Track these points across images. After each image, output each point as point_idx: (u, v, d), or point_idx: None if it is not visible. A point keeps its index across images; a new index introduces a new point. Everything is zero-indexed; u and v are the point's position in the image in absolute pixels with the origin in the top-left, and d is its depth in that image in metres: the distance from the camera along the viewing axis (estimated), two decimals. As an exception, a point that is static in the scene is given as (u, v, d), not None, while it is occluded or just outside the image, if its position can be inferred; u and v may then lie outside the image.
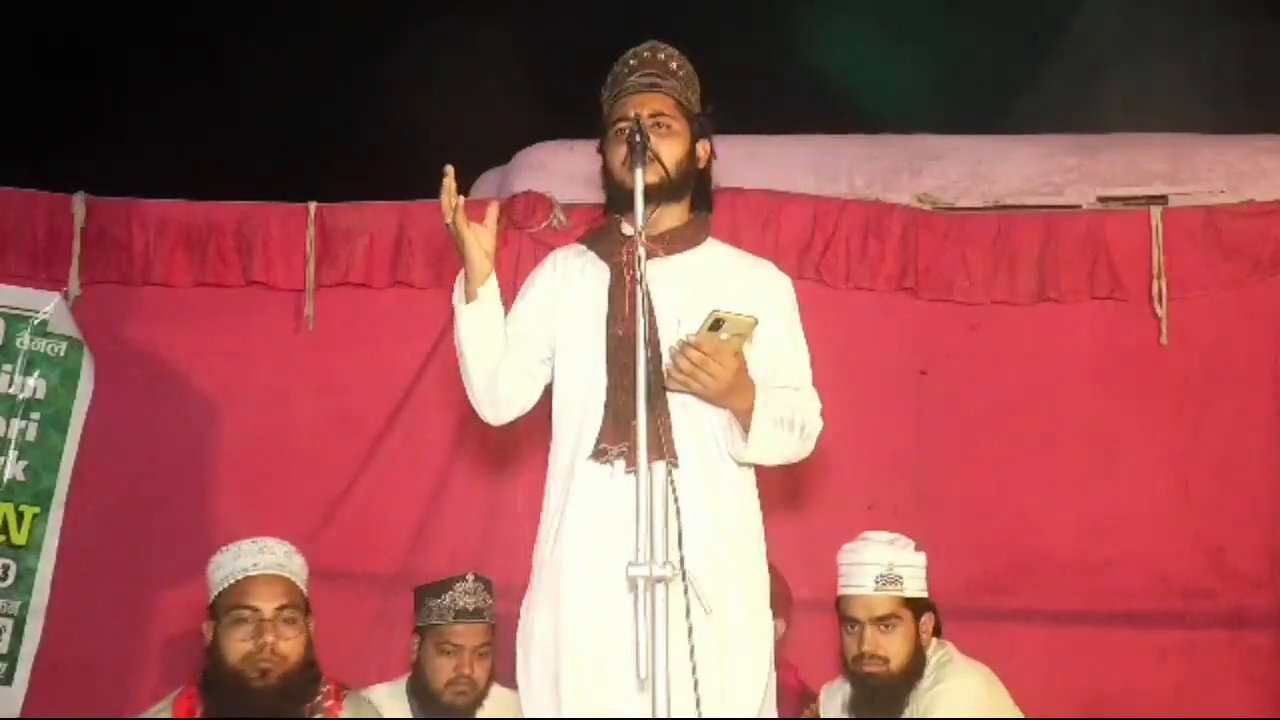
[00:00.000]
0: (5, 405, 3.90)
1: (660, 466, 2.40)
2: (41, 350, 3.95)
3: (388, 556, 3.97)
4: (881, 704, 3.27)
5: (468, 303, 2.66)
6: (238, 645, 2.98)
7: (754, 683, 2.62)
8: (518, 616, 2.73)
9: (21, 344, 3.92)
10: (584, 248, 2.81)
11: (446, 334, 3.93)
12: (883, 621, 3.26)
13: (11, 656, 3.82)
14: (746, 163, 4.12)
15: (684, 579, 2.38)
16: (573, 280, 2.76)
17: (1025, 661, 3.74)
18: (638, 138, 2.52)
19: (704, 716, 2.35)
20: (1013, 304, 4.07)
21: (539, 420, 2.78)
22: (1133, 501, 4.00)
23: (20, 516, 3.88)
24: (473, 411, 2.79)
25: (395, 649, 3.70)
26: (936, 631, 3.34)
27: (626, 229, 2.71)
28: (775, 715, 2.70)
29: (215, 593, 3.07)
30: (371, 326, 4.07)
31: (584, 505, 2.62)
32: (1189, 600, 3.96)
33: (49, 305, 3.96)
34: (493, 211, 2.64)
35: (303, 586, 3.11)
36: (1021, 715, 3.27)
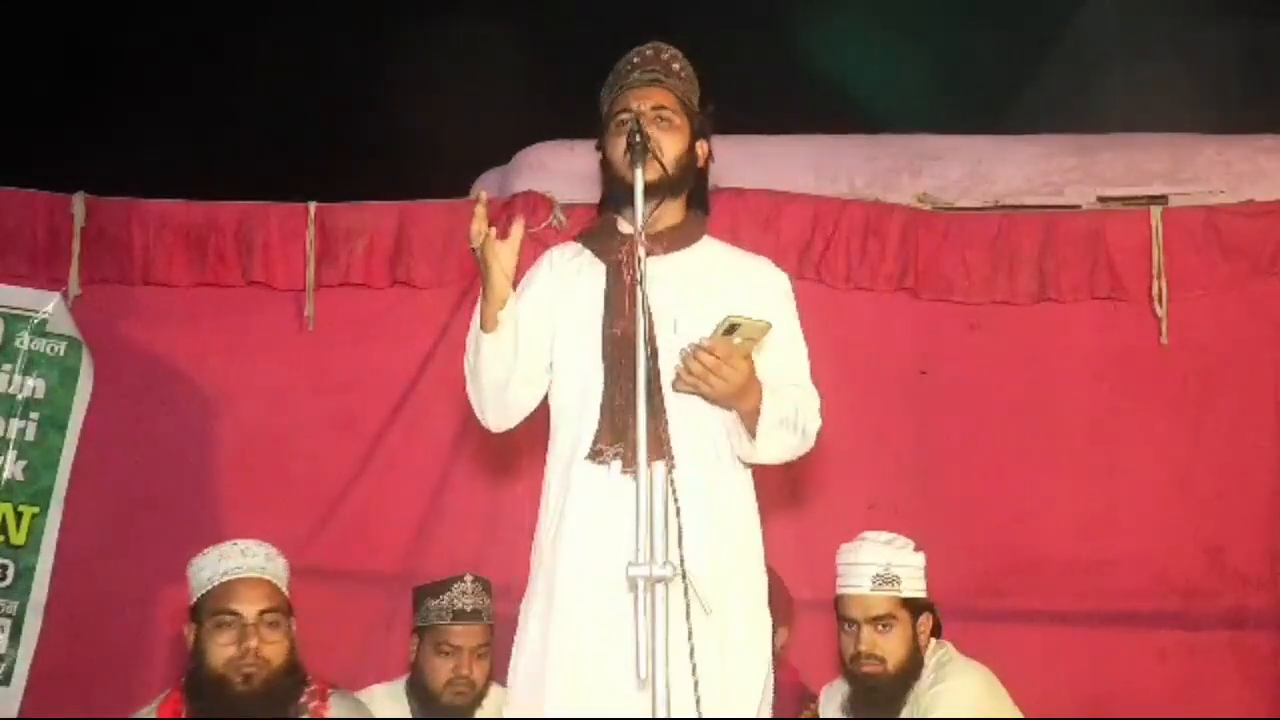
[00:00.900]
0: (5, 405, 3.90)
1: (659, 466, 2.40)
2: (41, 350, 3.95)
3: (388, 556, 3.97)
4: (879, 704, 3.26)
5: (487, 330, 2.62)
6: (221, 650, 2.96)
7: (752, 682, 2.62)
8: (517, 616, 2.73)
9: (21, 344, 3.92)
10: (580, 246, 2.81)
11: (446, 334, 3.97)
12: (879, 622, 3.25)
13: (10, 656, 3.82)
14: (746, 163, 4.12)
15: (684, 579, 2.38)
16: (569, 279, 2.76)
17: (1025, 661, 3.74)
18: (637, 136, 2.52)
19: (704, 717, 2.35)
20: (1013, 304, 4.07)
21: (539, 420, 2.78)
22: (1133, 501, 4.00)
23: (19, 516, 3.88)
24: (473, 411, 2.79)
25: (395, 649, 3.70)
26: (936, 632, 3.34)
27: (623, 227, 2.71)
28: (774, 715, 2.69)
29: (197, 595, 3.04)
30: (371, 326, 4.07)
31: (581, 506, 2.61)
32: (1189, 600, 3.96)
33: (49, 305, 3.96)
34: (517, 230, 2.61)
35: (285, 589, 3.08)
36: (1021, 715, 3.27)
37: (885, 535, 3.36)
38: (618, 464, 2.58)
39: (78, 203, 4.01)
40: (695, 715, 2.33)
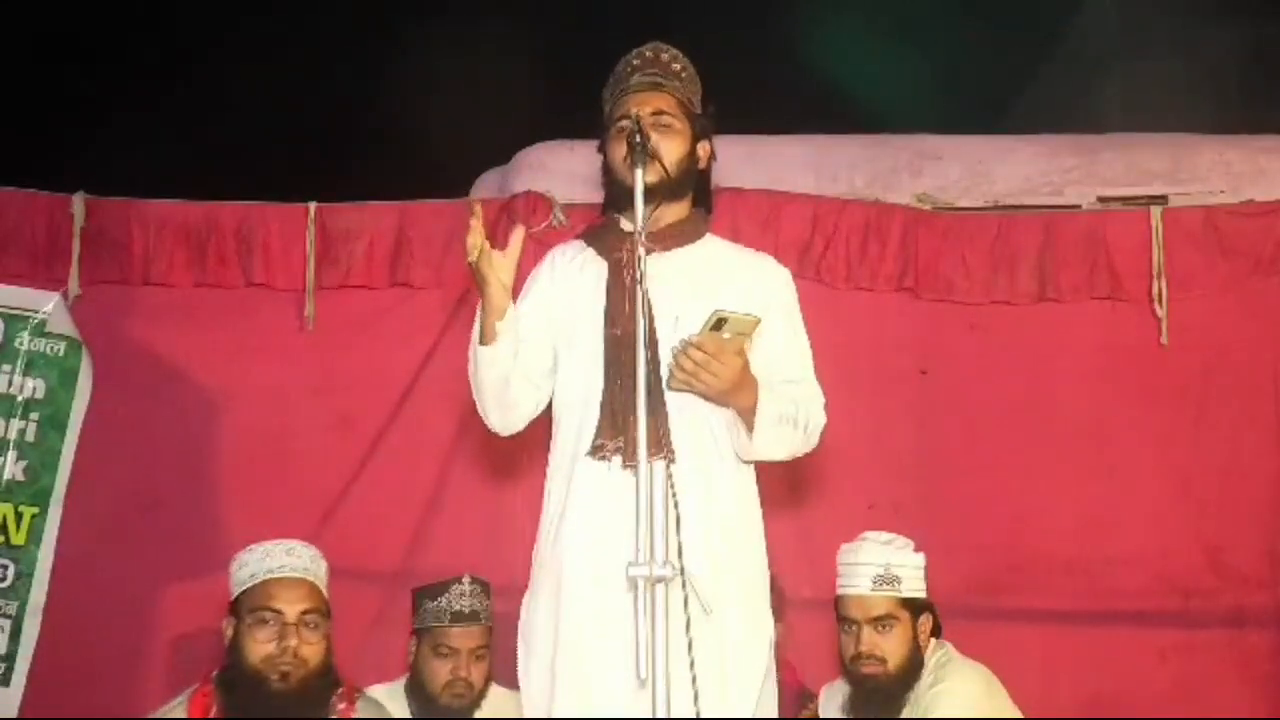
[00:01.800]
0: (5, 405, 3.90)
1: (660, 466, 2.39)
2: (41, 350, 3.95)
3: (387, 556, 3.97)
4: (878, 704, 3.26)
5: (485, 343, 2.62)
6: (260, 646, 2.97)
7: (751, 681, 2.62)
8: (518, 616, 2.73)
9: (21, 344, 3.92)
10: (583, 244, 2.81)
11: (446, 334, 3.97)
12: (879, 622, 3.25)
13: (10, 657, 3.82)
14: (746, 163, 4.12)
15: (683, 579, 2.38)
16: (571, 278, 2.76)
17: (1025, 661, 3.74)
18: (637, 137, 2.53)
19: (704, 717, 2.35)
20: (1013, 304, 4.07)
21: (539, 419, 2.79)
22: (1133, 501, 4.00)
23: (19, 516, 3.88)
24: (473, 412, 2.79)
25: (394, 649, 3.70)
26: (936, 632, 3.34)
27: (625, 225, 2.71)
28: (775, 714, 2.69)
29: (238, 591, 3.06)
30: (371, 327, 4.07)
31: (583, 502, 2.62)
32: (1189, 600, 3.96)
33: (48, 305, 3.96)
34: (517, 240, 2.61)
35: (325, 591, 3.11)
36: (1021, 715, 3.27)
37: (885, 535, 3.36)
38: (618, 460, 2.58)
39: (78, 203, 4.01)
40: (695, 715, 2.33)
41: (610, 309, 2.65)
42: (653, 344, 2.54)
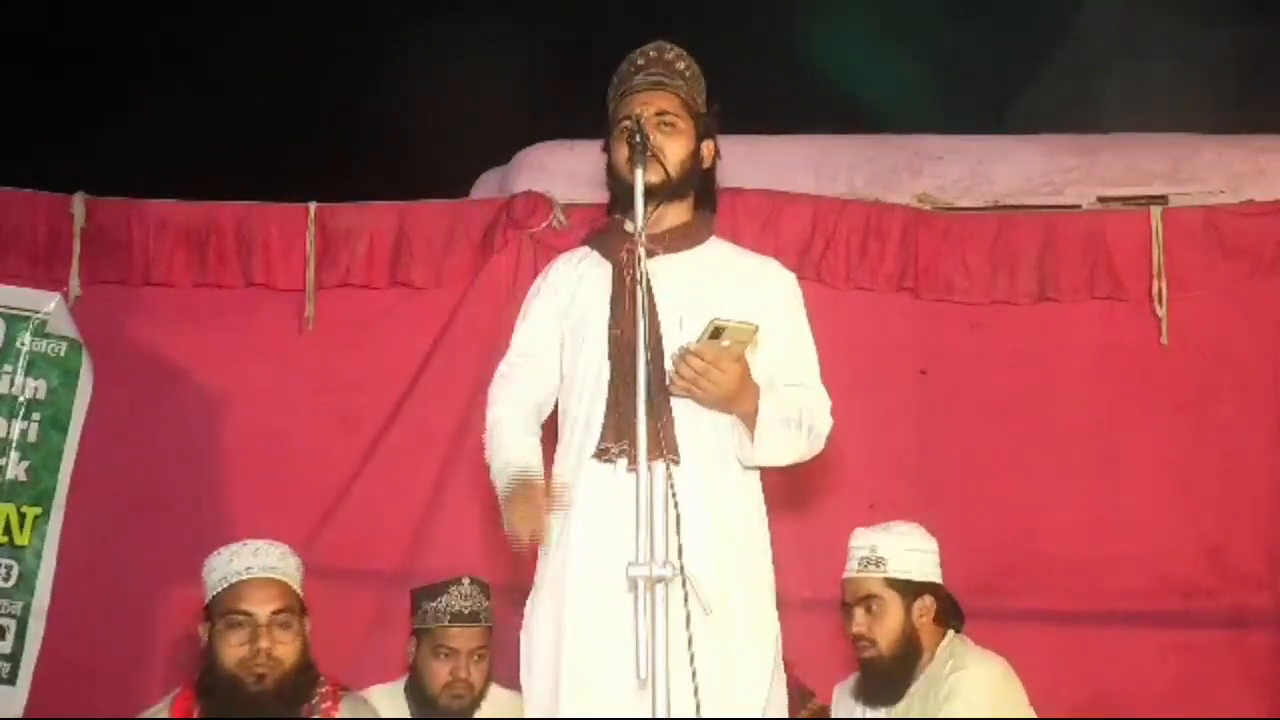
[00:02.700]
0: (6, 406, 3.91)
1: (661, 466, 2.40)
2: (41, 351, 3.95)
3: (388, 556, 3.97)
4: (879, 686, 3.29)
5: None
6: (233, 650, 2.97)
7: (758, 681, 2.62)
8: (521, 616, 2.73)
9: (22, 344, 3.93)
10: (586, 249, 2.82)
11: (446, 334, 3.98)
12: (865, 603, 3.28)
13: (14, 656, 3.83)
14: (746, 163, 4.11)
15: (683, 579, 2.38)
16: (574, 284, 2.77)
17: (1025, 661, 3.72)
18: (638, 138, 2.53)
19: (704, 717, 2.35)
20: (1013, 304, 4.07)
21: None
22: (1133, 501, 4.00)
23: (22, 517, 3.89)
24: (473, 411, 2.80)
25: (394, 649, 3.70)
26: (944, 617, 3.31)
27: (629, 228, 2.71)
28: (784, 715, 2.69)
29: (210, 595, 3.05)
30: (371, 326, 4.08)
31: (588, 504, 2.62)
32: (1189, 600, 3.96)
33: (49, 305, 3.96)
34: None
35: (298, 588, 3.09)
36: (1034, 710, 3.26)
37: (895, 524, 3.37)
38: (623, 462, 2.58)
39: (78, 203, 4.01)
40: (695, 715, 2.33)
41: (613, 310, 2.66)
42: (656, 346, 2.54)
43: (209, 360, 4.05)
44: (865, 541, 3.32)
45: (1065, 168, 4.55)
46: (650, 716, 2.21)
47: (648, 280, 2.50)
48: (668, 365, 2.56)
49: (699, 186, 2.78)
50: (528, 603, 2.72)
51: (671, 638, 2.26)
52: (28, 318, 3.95)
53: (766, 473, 2.76)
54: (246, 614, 2.98)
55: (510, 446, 2.67)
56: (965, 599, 3.74)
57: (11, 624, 3.84)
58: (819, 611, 3.54)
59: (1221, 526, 3.98)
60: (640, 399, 2.36)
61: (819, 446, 2.69)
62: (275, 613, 3.00)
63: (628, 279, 2.62)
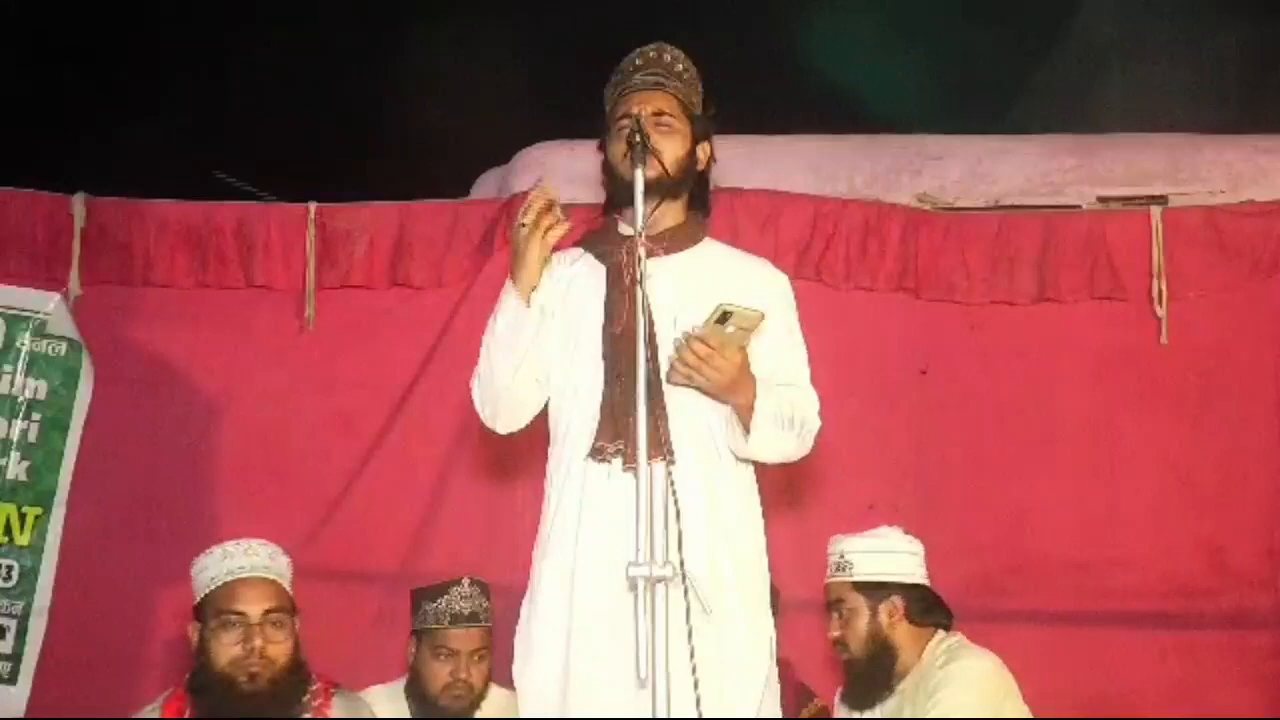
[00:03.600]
0: (7, 406, 3.90)
1: (660, 466, 2.40)
2: (42, 351, 3.95)
3: (387, 556, 3.97)
4: (858, 690, 3.32)
5: (526, 304, 2.63)
6: (226, 650, 2.97)
7: (752, 681, 2.62)
8: (518, 616, 2.73)
9: (22, 345, 3.93)
10: (580, 250, 2.82)
11: (446, 334, 3.97)
12: (835, 608, 3.32)
13: (15, 656, 3.83)
14: (746, 163, 4.12)
15: (683, 579, 2.39)
16: (568, 283, 2.77)
17: (1025, 661, 3.72)
18: (637, 137, 2.53)
19: (704, 717, 2.36)
20: (1013, 304, 4.07)
21: (538, 420, 2.79)
22: (1133, 501, 4.00)
23: (23, 517, 3.88)
24: (473, 412, 2.79)
25: (394, 649, 3.70)
26: (918, 615, 3.28)
27: (624, 229, 2.71)
28: (778, 713, 2.70)
29: (201, 595, 3.05)
30: (371, 327, 4.07)
31: (583, 504, 2.62)
32: (1189, 600, 3.96)
33: (49, 306, 3.96)
34: (558, 231, 2.61)
35: (289, 587, 3.09)
36: (1026, 707, 3.26)
37: (878, 529, 3.38)
38: (618, 461, 2.58)
39: (78, 203, 4.01)
40: (695, 715, 2.33)
41: (609, 310, 2.66)
42: (652, 345, 2.54)
43: (209, 360, 4.05)
44: (836, 547, 3.36)
45: (1065, 168, 4.55)
46: (650, 717, 2.21)
47: (644, 280, 2.50)
48: (663, 365, 2.56)
49: (694, 188, 2.78)
50: (524, 602, 2.72)
51: (670, 637, 2.26)
52: (28, 318, 3.95)
53: (765, 473, 2.76)
54: (239, 613, 2.98)
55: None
56: (965, 599, 3.75)
57: (12, 624, 3.83)
58: (818, 612, 3.52)
59: (1221, 526, 3.98)
60: (640, 398, 2.35)
61: (808, 447, 2.70)
62: (268, 612, 3.00)
63: (626, 279, 2.62)
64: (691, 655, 2.37)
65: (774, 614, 2.75)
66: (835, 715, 3.49)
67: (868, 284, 4.07)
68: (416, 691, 3.48)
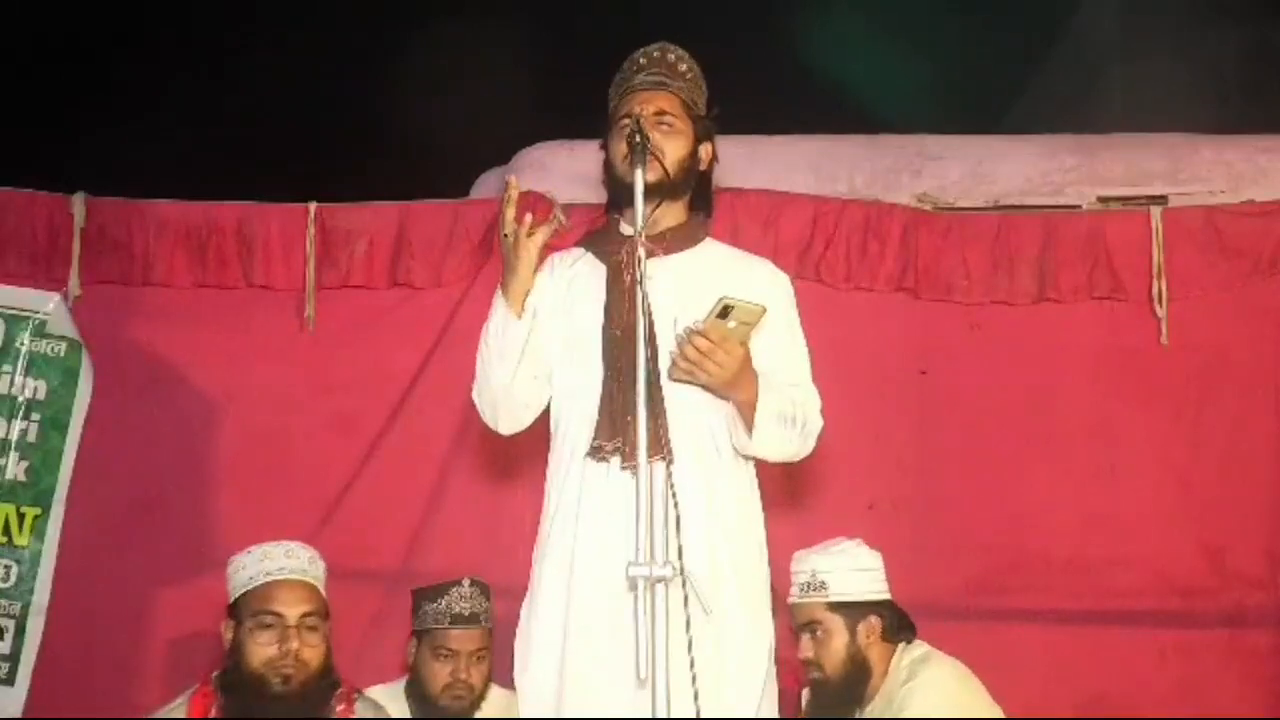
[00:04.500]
0: (6, 406, 3.90)
1: (660, 466, 2.40)
2: (41, 351, 3.95)
3: (387, 556, 3.97)
4: (826, 709, 3.27)
5: (517, 315, 2.64)
6: (261, 650, 2.98)
7: (753, 681, 2.62)
8: (518, 616, 2.73)
9: (22, 344, 3.93)
10: (581, 250, 2.82)
11: (446, 334, 3.97)
12: (808, 628, 3.27)
13: (14, 656, 3.83)
14: (746, 163, 4.12)
15: (683, 579, 2.38)
16: (569, 283, 2.77)
17: (1025, 661, 3.75)
18: (638, 137, 2.53)
19: (704, 717, 2.36)
20: (1013, 304, 4.07)
21: (539, 419, 2.79)
22: (1133, 501, 4.00)
23: (22, 517, 3.89)
24: (473, 411, 2.79)
25: (394, 649, 3.71)
26: (893, 633, 3.27)
27: (624, 228, 2.72)
28: (776, 713, 2.70)
29: (237, 594, 3.06)
30: (371, 327, 4.07)
31: (582, 503, 2.62)
32: (1189, 600, 3.95)
33: (49, 306, 3.96)
34: (544, 231, 2.62)
35: (324, 591, 3.12)
36: (999, 709, 3.25)
37: (835, 542, 3.33)
38: (617, 460, 2.58)
39: (78, 203, 4.01)
40: (695, 715, 2.33)
41: (610, 310, 2.66)
42: (652, 344, 2.54)
43: (209, 360, 4.04)
44: (806, 566, 3.29)
45: (1065, 168, 4.55)
46: (650, 717, 2.21)
47: (645, 280, 2.50)
48: (663, 364, 2.56)
49: (695, 189, 2.78)
50: (524, 602, 2.72)
51: (670, 637, 2.26)
52: (28, 318, 3.95)
53: (765, 472, 2.76)
54: (277, 615, 3.00)
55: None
56: (965, 598, 3.76)
57: (11, 624, 3.84)
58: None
59: (1221, 526, 3.98)
60: (640, 398, 2.35)
61: (810, 445, 2.70)
62: (305, 615, 3.02)
63: (626, 278, 2.62)
64: (690, 654, 2.37)
65: (773, 614, 2.75)
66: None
67: (868, 284, 4.07)
68: (416, 692, 3.49)
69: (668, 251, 2.70)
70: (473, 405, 2.78)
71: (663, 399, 2.58)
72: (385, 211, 4.11)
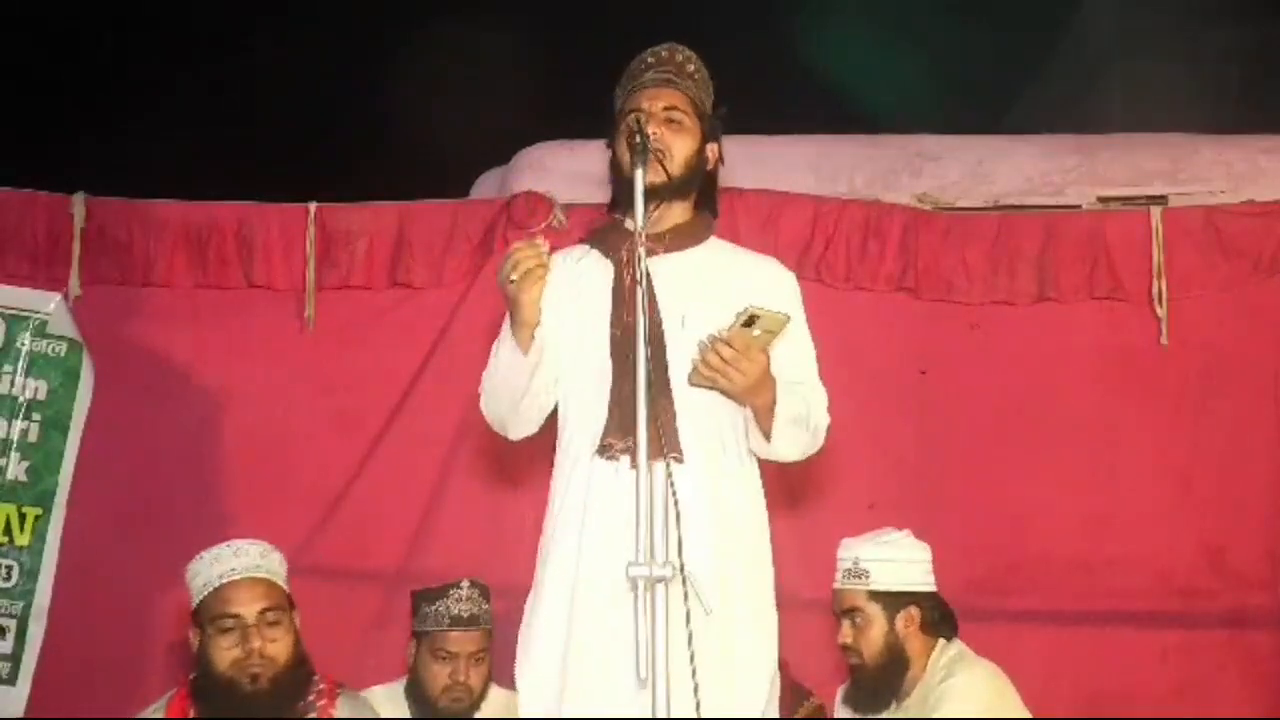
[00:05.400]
0: (7, 406, 3.90)
1: (661, 465, 2.39)
2: (42, 351, 3.95)
3: (388, 556, 3.97)
4: (866, 696, 3.32)
5: (525, 351, 2.62)
6: (225, 653, 2.96)
7: (759, 681, 2.62)
8: (519, 614, 2.73)
9: (22, 345, 3.93)
10: (587, 247, 2.82)
11: (446, 334, 3.97)
12: (849, 615, 3.30)
13: (15, 657, 3.83)
14: (746, 163, 4.10)
15: (684, 578, 2.38)
16: (575, 280, 2.76)
17: (1025, 661, 3.73)
18: (638, 137, 2.53)
19: (704, 717, 2.35)
20: (1013, 304, 4.07)
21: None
22: (1133, 501, 4.00)
23: (23, 517, 3.89)
24: (473, 411, 2.79)
25: (394, 649, 3.70)
26: (933, 626, 3.30)
27: (629, 226, 2.71)
28: (776, 713, 2.69)
29: (197, 600, 3.04)
30: (371, 327, 4.07)
31: (591, 502, 2.62)
32: (1189, 600, 3.96)
33: (49, 306, 3.96)
34: (546, 261, 2.61)
35: (283, 584, 3.08)
36: (1028, 712, 3.26)
37: (883, 532, 3.37)
38: (626, 459, 2.57)
39: (78, 203, 4.01)
40: (695, 715, 2.33)
41: (615, 308, 2.66)
42: (658, 344, 2.54)
43: (209, 360, 4.04)
44: (850, 553, 3.33)
45: (1065, 168, 4.55)
46: (650, 717, 2.21)
47: (648, 278, 2.50)
48: (669, 363, 2.56)
49: (701, 188, 2.78)
50: (527, 599, 2.72)
51: (672, 637, 2.26)
52: (28, 318, 3.95)
53: (766, 472, 2.76)
54: (235, 616, 2.97)
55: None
56: (965, 599, 3.75)
57: (12, 624, 3.84)
58: (818, 611, 3.53)
59: (1221, 526, 3.98)
60: (640, 396, 2.35)
61: (820, 442, 2.70)
62: (263, 611, 2.99)
63: (628, 277, 2.62)
64: (691, 654, 2.37)
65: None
66: (836, 714, 3.49)
67: (868, 284, 4.07)
68: (416, 693, 3.49)
69: (673, 249, 2.69)
70: (473, 405, 2.78)
71: (671, 398, 2.58)
72: (385, 211, 4.11)
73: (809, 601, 3.63)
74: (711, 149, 2.78)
